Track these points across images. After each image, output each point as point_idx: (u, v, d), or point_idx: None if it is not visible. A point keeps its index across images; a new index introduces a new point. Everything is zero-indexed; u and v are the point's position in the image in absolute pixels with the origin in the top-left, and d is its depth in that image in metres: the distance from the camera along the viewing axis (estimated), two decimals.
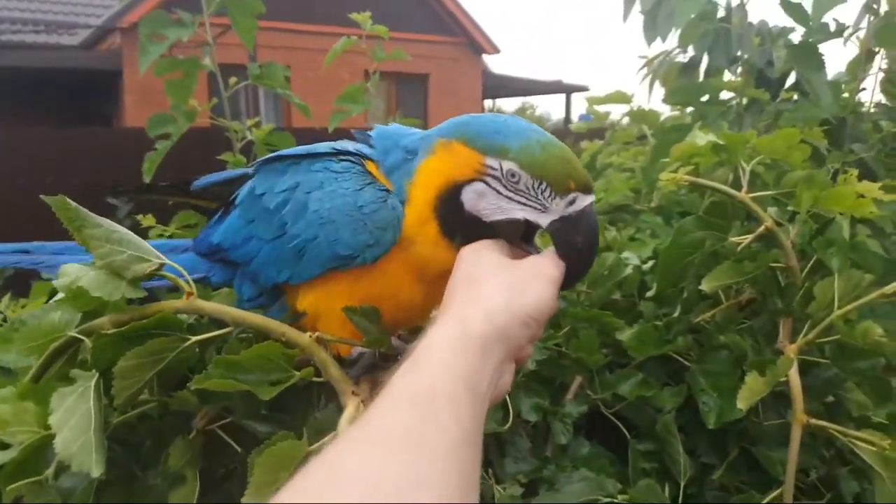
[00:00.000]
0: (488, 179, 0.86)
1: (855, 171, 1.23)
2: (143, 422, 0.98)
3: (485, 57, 15.55)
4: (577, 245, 0.85)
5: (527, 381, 1.30)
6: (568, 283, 0.84)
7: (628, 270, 1.50)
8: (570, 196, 0.84)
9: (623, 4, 2.35)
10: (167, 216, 1.60)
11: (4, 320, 1.65)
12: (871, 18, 1.87)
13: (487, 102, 17.02)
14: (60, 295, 0.88)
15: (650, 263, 1.55)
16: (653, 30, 2.21)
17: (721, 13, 2.02)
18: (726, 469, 1.24)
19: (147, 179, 1.89)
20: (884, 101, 1.96)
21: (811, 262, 1.26)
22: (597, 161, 2.36)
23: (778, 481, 1.15)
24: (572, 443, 1.29)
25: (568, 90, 17.02)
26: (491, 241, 0.85)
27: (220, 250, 1.04)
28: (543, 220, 0.85)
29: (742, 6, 1.98)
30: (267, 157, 1.02)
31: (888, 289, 1.05)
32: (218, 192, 1.12)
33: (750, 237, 1.25)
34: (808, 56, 1.65)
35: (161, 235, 1.55)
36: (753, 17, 1.97)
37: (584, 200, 0.84)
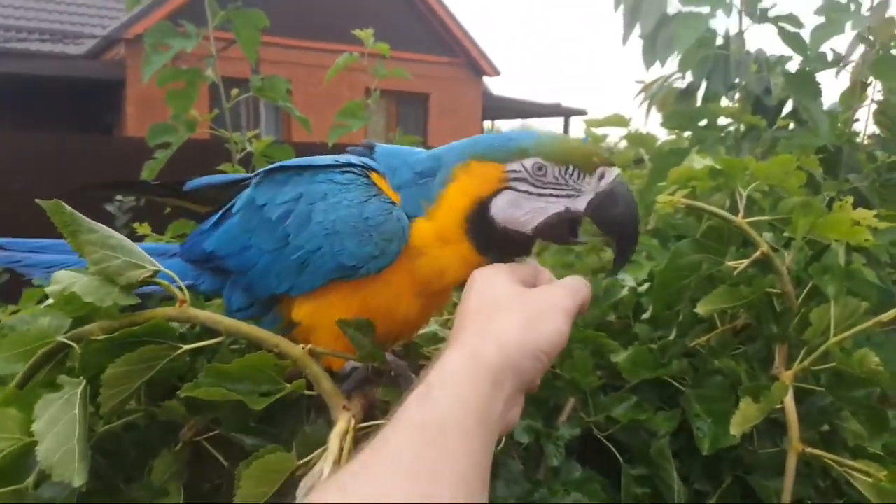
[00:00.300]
0: (514, 184, 0.86)
1: (850, 199, 1.23)
2: (128, 432, 0.96)
3: (485, 78, 15.68)
4: (619, 217, 0.86)
5: None
6: (622, 257, 0.88)
7: (624, 292, 1.49)
8: (599, 171, 0.85)
9: (622, 29, 2.37)
10: (163, 225, 1.59)
11: None
12: (865, 49, 1.89)
13: (486, 123, 17.12)
14: (50, 301, 0.87)
15: (646, 286, 1.54)
16: (652, 55, 2.23)
17: (720, 41, 2.04)
18: (720, 497, 1.22)
19: None
20: (877, 131, 1.99)
21: (807, 289, 1.25)
22: None
23: None
24: (564, 466, 1.27)
25: (566, 113, 17.14)
26: (505, 266, 0.84)
27: (213, 258, 1.03)
28: (580, 204, 0.86)
29: (740, 34, 2.00)
30: (268, 167, 1.01)
31: (885, 316, 1.05)
32: (211, 195, 1.11)
33: (746, 262, 1.24)
34: (805, 84, 1.66)
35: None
36: (752, 46, 1.99)
37: (612, 173, 0.86)
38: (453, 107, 14.78)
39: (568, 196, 0.86)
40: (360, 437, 0.79)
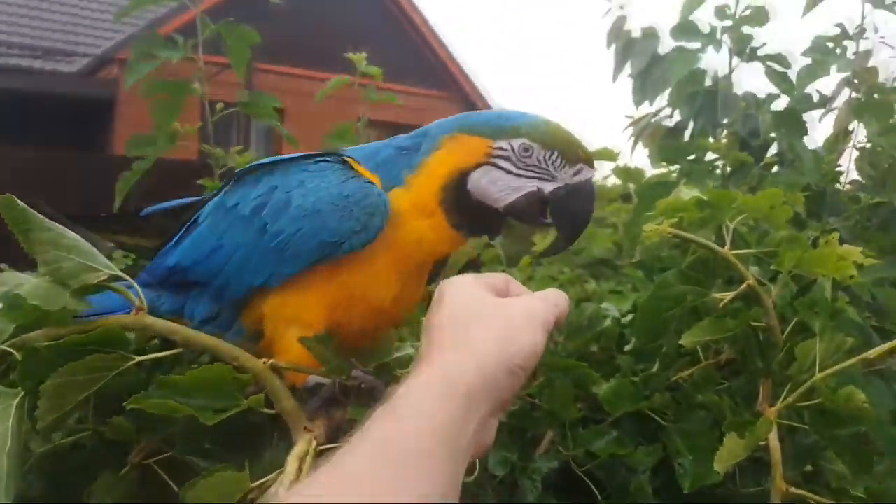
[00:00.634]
0: (497, 161, 0.89)
1: (836, 235, 1.21)
2: (73, 452, 0.90)
3: None
4: (575, 211, 0.92)
5: (496, 433, 1.24)
6: (558, 247, 0.93)
7: (607, 322, 1.46)
8: (578, 166, 0.90)
9: (613, 67, 2.38)
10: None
11: None
12: (851, 94, 1.91)
13: None
14: None
15: (630, 317, 1.51)
16: (642, 93, 2.24)
17: (708, 81, 2.05)
18: None
19: (119, 200, 1.84)
20: (858, 178, 1.99)
21: (792, 324, 1.23)
22: None
23: None
24: (541, 501, 1.22)
25: None
26: (475, 275, 0.80)
27: (177, 271, 0.99)
28: (548, 188, 0.89)
29: (729, 75, 2.01)
30: (236, 172, 1.00)
31: (872, 353, 1.02)
32: (167, 225, 1.09)
33: (732, 294, 1.22)
34: (792, 122, 1.67)
35: None
36: (740, 85, 2.00)
37: (588, 172, 0.91)
38: None
39: (542, 178, 0.89)
40: (322, 461, 0.73)
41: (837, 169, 1.89)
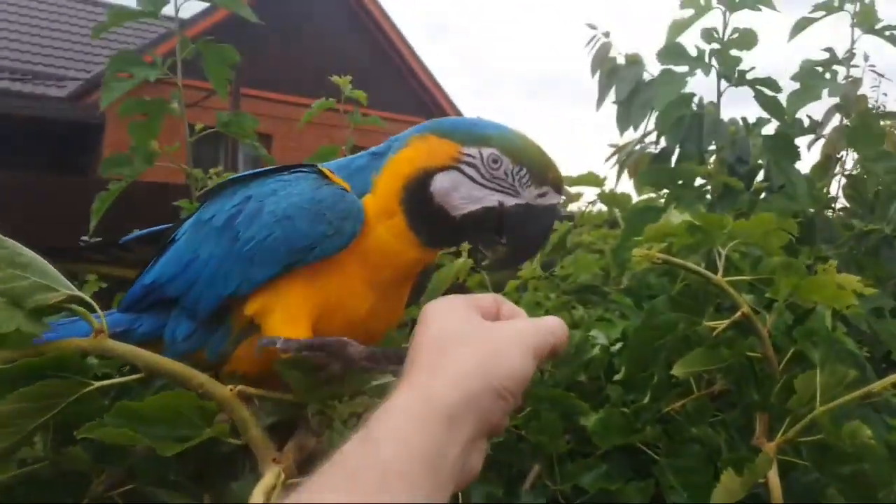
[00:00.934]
0: (464, 167, 0.85)
1: (834, 262, 1.18)
2: (29, 485, 0.83)
3: None
4: (529, 233, 0.88)
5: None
6: (504, 265, 0.89)
7: (595, 351, 1.41)
8: (544, 188, 0.86)
9: (597, 93, 2.37)
10: None
11: None
12: (839, 121, 1.90)
13: None
14: None
15: (619, 345, 1.46)
16: (626, 120, 2.22)
17: (694, 108, 2.04)
18: None
19: (95, 220, 1.78)
20: (846, 204, 1.99)
21: (788, 355, 1.19)
22: (566, 240, 2.31)
23: None
24: None
25: None
26: (462, 297, 0.76)
27: (154, 288, 0.96)
28: (509, 202, 0.86)
29: (717, 101, 2.00)
30: (212, 188, 0.97)
31: (875, 386, 0.97)
32: (142, 254, 1.06)
33: (726, 322, 1.17)
34: (782, 147, 1.65)
35: None
36: (728, 109, 1.99)
37: (554, 198, 0.87)
38: None
39: (505, 192, 0.86)
40: (292, 489, 0.68)
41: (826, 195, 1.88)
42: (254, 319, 0.87)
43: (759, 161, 1.95)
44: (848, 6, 1.76)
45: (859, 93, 1.97)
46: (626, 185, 2.52)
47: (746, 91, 1.66)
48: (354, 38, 14.34)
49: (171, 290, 0.94)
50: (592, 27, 2.28)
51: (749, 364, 1.20)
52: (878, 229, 1.77)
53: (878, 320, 1.47)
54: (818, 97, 1.68)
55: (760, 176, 2.01)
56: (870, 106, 1.99)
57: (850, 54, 1.78)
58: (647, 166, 2.21)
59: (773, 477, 1.02)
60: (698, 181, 1.76)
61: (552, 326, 0.73)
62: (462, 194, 0.86)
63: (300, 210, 0.85)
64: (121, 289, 1.12)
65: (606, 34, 2.24)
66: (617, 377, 1.36)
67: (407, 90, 14.80)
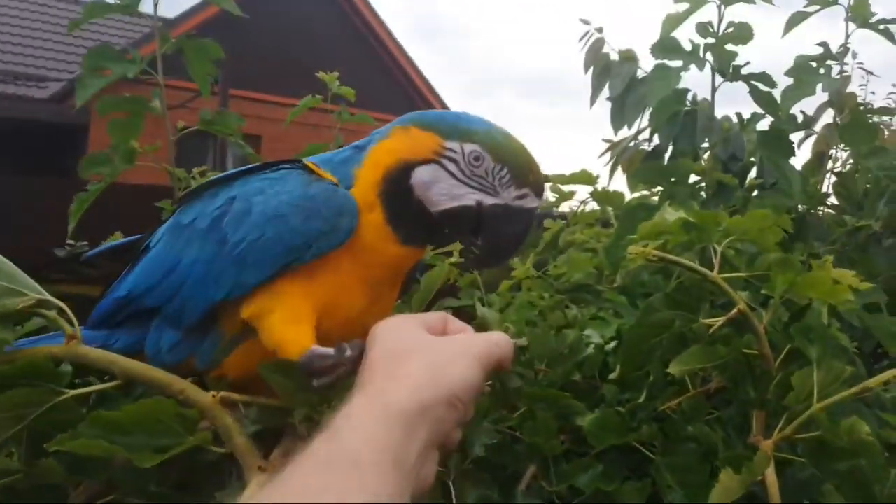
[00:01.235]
0: (445, 162, 0.83)
1: (830, 258, 1.16)
2: (4, 496, 0.80)
3: None
4: (504, 235, 0.86)
5: (474, 469, 1.16)
6: (478, 265, 0.91)
7: (590, 350, 1.40)
8: (524, 191, 0.84)
9: (590, 91, 2.35)
10: None
11: None
12: (833, 116, 1.89)
13: None
14: None
15: (613, 344, 1.44)
16: (621, 117, 2.21)
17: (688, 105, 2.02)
18: None
19: (73, 222, 1.74)
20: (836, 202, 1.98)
21: (784, 352, 1.17)
22: (559, 239, 2.29)
23: None
24: None
25: None
26: (409, 315, 0.79)
27: (129, 302, 0.92)
28: (488, 201, 0.84)
29: (711, 98, 1.98)
30: (189, 191, 0.93)
31: (872, 382, 0.96)
32: (108, 270, 1.02)
33: (722, 319, 1.16)
34: (777, 143, 1.63)
35: None
36: (722, 108, 1.97)
37: (533, 202, 0.86)
38: None
39: (484, 191, 0.84)
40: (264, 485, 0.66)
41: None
42: (249, 323, 0.84)
43: (752, 158, 1.94)
44: (842, 0, 1.75)
45: (848, 90, 1.96)
46: (620, 183, 2.50)
47: (740, 87, 1.65)
48: (344, 37, 14.29)
49: (149, 300, 0.90)
50: (586, 23, 2.27)
51: (745, 361, 1.18)
52: (868, 225, 1.76)
53: (871, 315, 1.46)
54: (812, 92, 1.67)
55: (753, 173, 2.00)
56: (858, 103, 1.97)
57: (845, 49, 1.77)
58: (641, 163, 2.19)
59: (771, 475, 1.01)
60: (692, 178, 1.74)
61: (497, 339, 0.76)
62: (441, 189, 0.84)
63: (293, 208, 0.82)
64: (82, 309, 1.08)
65: (600, 30, 2.22)
66: (612, 376, 1.34)
67: (397, 90, 14.77)
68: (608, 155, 2.58)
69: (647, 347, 1.23)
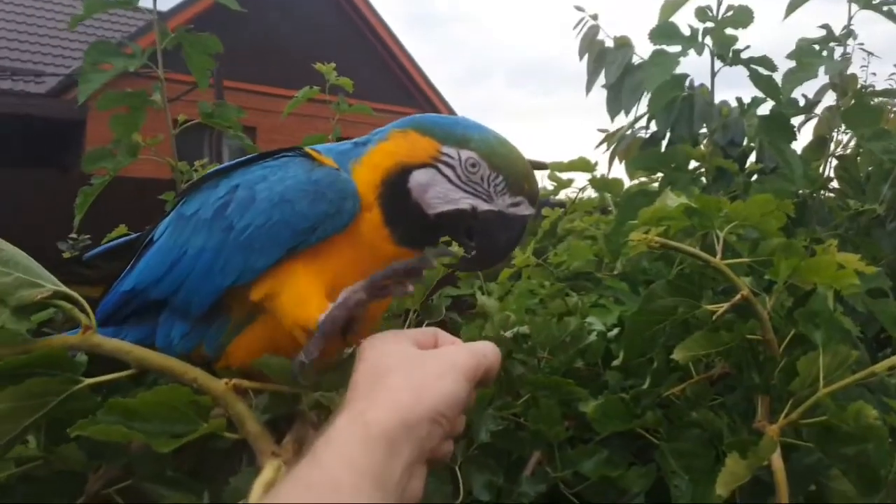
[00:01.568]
0: (441, 167, 0.85)
1: (835, 242, 1.17)
2: (24, 484, 0.81)
3: None
4: (496, 241, 0.87)
5: (479, 455, 1.17)
6: (468, 267, 0.91)
7: (592, 337, 1.40)
8: (518, 198, 0.85)
9: (586, 78, 2.35)
10: None
11: None
12: (835, 99, 1.88)
13: None
14: None
15: (615, 331, 1.45)
16: (617, 104, 2.20)
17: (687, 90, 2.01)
18: None
19: (79, 216, 1.74)
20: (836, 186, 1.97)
21: (789, 337, 1.18)
22: (558, 227, 2.29)
23: None
24: None
25: None
26: (397, 331, 0.79)
27: (134, 296, 0.92)
28: (482, 207, 0.85)
29: (710, 85, 1.98)
30: (189, 183, 0.94)
31: (879, 367, 0.96)
32: (108, 270, 1.02)
33: (726, 305, 1.16)
34: (778, 127, 1.63)
35: None
36: (722, 89, 1.96)
37: (527, 209, 0.86)
38: None
39: (479, 197, 0.86)
40: None
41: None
42: (258, 306, 0.85)
43: (751, 144, 1.94)
44: None
45: (849, 72, 1.96)
46: (618, 172, 2.50)
47: (740, 73, 1.65)
48: (337, 28, 14.22)
49: (156, 292, 0.90)
50: (580, 10, 2.26)
51: (749, 347, 1.18)
52: (871, 209, 1.76)
53: (876, 300, 1.46)
54: (815, 75, 1.66)
55: (752, 158, 2.00)
56: (862, 85, 1.97)
57: (848, 31, 1.77)
58: (639, 150, 2.18)
59: (777, 459, 1.02)
60: (692, 164, 1.74)
61: (484, 350, 0.76)
62: (437, 193, 0.85)
63: (298, 192, 0.83)
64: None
65: (594, 17, 2.21)
66: (615, 363, 1.35)
67: (391, 79, 14.71)
68: (605, 145, 2.58)
69: (650, 334, 1.23)
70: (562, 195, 2.56)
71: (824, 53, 1.70)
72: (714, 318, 1.18)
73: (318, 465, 0.58)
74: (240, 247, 0.84)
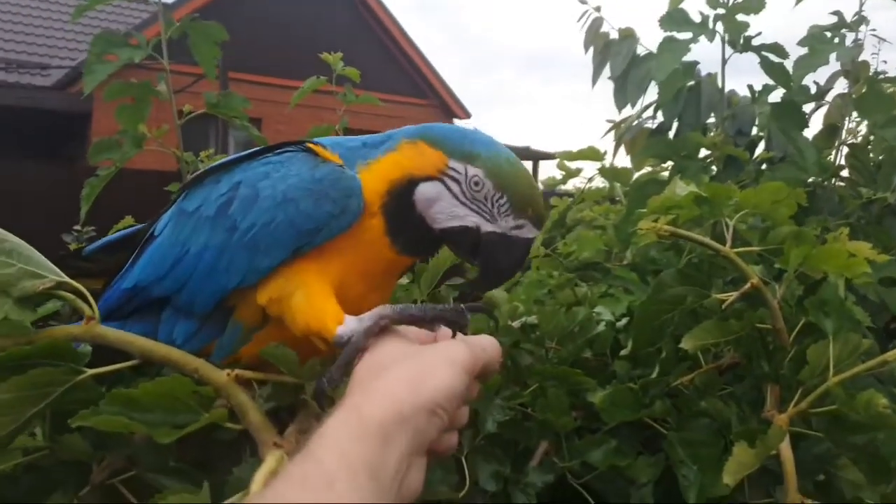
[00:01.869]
0: (447, 181, 0.83)
1: (846, 230, 1.15)
2: (29, 473, 0.81)
3: (456, 121, 15.83)
4: (498, 263, 0.85)
5: (486, 446, 1.17)
6: (474, 287, 0.88)
7: (601, 327, 1.39)
8: (522, 221, 0.83)
9: (592, 70, 2.33)
10: None
11: None
12: (847, 86, 1.86)
13: None
14: None
15: (624, 321, 1.44)
16: (623, 96, 2.18)
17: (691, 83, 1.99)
18: None
19: (86, 207, 1.74)
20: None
21: (799, 326, 1.17)
22: (567, 217, 2.28)
23: None
24: None
25: (535, 157, 17.31)
26: (398, 329, 0.78)
27: (137, 292, 0.91)
28: (486, 228, 0.84)
29: (720, 73, 1.96)
30: (192, 177, 0.93)
31: (890, 355, 0.95)
32: (108, 264, 1.01)
33: (735, 294, 1.15)
34: (790, 115, 1.61)
35: None
36: (732, 77, 1.94)
37: (531, 232, 0.84)
38: None
39: (483, 216, 0.84)
40: None
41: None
42: (266, 310, 0.84)
43: (761, 133, 1.92)
44: None
45: (860, 59, 1.93)
46: (623, 162, 2.49)
47: (749, 61, 1.63)
48: (343, 17, 14.16)
49: (157, 290, 0.89)
50: (583, 2, 2.24)
51: (759, 336, 1.17)
52: (882, 198, 1.74)
53: (888, 289, 1.45)
54: (826, 62, 1.64)
55: (762, 147, 1.98)
56: (877, 71, 1.94)
57: (860, 17, 1.74)
58: (647, 139, 2.17)
59: (786, 449, 1.01)
60: (702, 153, 1.72)
61: (484, 344, 0.76)
62: (442, 208, 0.84)
63: (302, 191, 0.82)
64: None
65: (598, 9, 2.19)
66: (623, 352, 1.34)
67: (397, 69, 14.67)
68: (611, 135, 2.57)
69: (659, 323, 1.23)
70: (570, 185, 2.55)
71: (836, 40, 1.68)
72: (723, 307, 1.17)
73: (312, 459, 0.58)
74: (244, 247, 0.83)
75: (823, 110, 2.04)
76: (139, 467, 0.79)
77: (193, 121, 1.86)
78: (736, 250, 1.17)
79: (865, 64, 1.97)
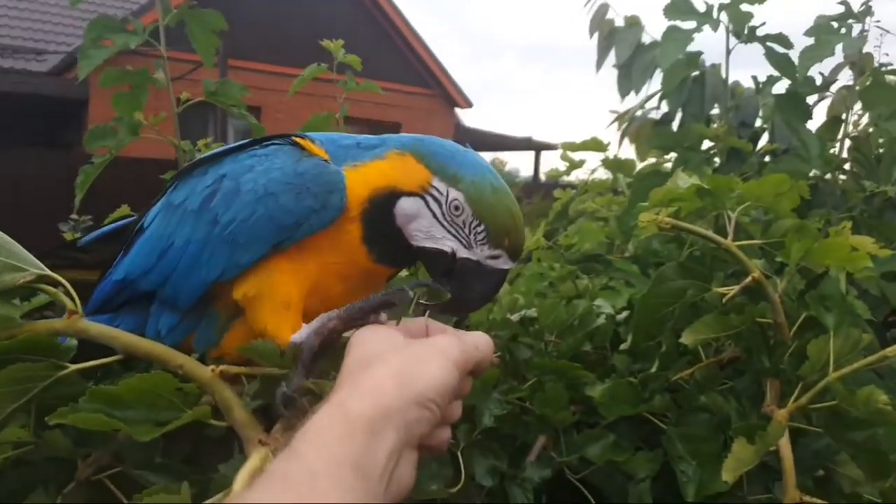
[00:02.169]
0: (429, 200, 0.82)
1: (848, 224, 1.13)
2: (17, 468, 0.80)
3: (457, 110, 15.75)
4: (470, 291, 0.83)
5: (483, 440, 1.16)
6: (448, 310, 0.84)
7: (601, 320, 1.38)
8: (498, 252, 0.82)
9: (596, 57, 2.31)
10: None
11: None
12: (852, 78, 1.84)
13: None
14: None
15: (624, 314, 1.42)
16: (627, 83, 2.16)
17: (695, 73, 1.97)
18: None
19: (80, 195, 1.72)
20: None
21: (800, 320, 1.15)
22: (569, 209, 2.26)
23: None
24: None
25: (537, 147, 17.27)
26: (388, 323, 0.77)
27: (126, 285, 0.90)
28: (461, 253, 0.82)
29: (724, 64, 1.93)
30: (179, 171, 0.93)
31: (890, 350, 0.94)
32: (103, 255, 1.00)
33: (737, 288, 1.13)
34: (794, 106, 1.59)
35: None
36: (737, 68, 1.92)
37: (506, 264, 0.83)
38: None
39: (460, 241, 0.83)
40: None
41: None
42: (239, 304, 0.83)
43: (764, 125, 1.90)
44: None
45: (864, 51, 1.91)
46: (627, 153, 2.47)
47: (753, 52, 1.60)
48: (344, 5, 14.06)
49: (145, 283, 0.88)
50: None
51: (760, 330, 1.16)
52: (884, 191, 1.72)
53: (890, 283, 1.43)
54: (831, 53, 1.61)
55: (765, 138, 1.96)
56: (881, 63, 1.92)
57: (867, 7, 1.71)
58: (651, 130, 2.15)
59: (785, 444, 1.00)
60: (705, 144, 1.70)
61: (476, 341, 0.75)
62: (420, 226, 0.83)
63: (283, 185, 0.81)
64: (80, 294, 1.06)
65: None
66: (623, 346, 1.33)
67: (399, 58, 14.58)
68: (615, 126, 2.54)
69: (659, 317, 1.21)
70: (573, 176, 2.53)
71: (842, 31, 1.65)
72: (724, 300, 1.16)
73: (295, 456, 0.57)
74: (224, 241, 0.82)
75: (826, 102, 2.03)
76: (125, 464, 0.78)
77: (192, 109, 1.84)
78: (738, 243, 1.16)
79: (870, 56, 1.95)
